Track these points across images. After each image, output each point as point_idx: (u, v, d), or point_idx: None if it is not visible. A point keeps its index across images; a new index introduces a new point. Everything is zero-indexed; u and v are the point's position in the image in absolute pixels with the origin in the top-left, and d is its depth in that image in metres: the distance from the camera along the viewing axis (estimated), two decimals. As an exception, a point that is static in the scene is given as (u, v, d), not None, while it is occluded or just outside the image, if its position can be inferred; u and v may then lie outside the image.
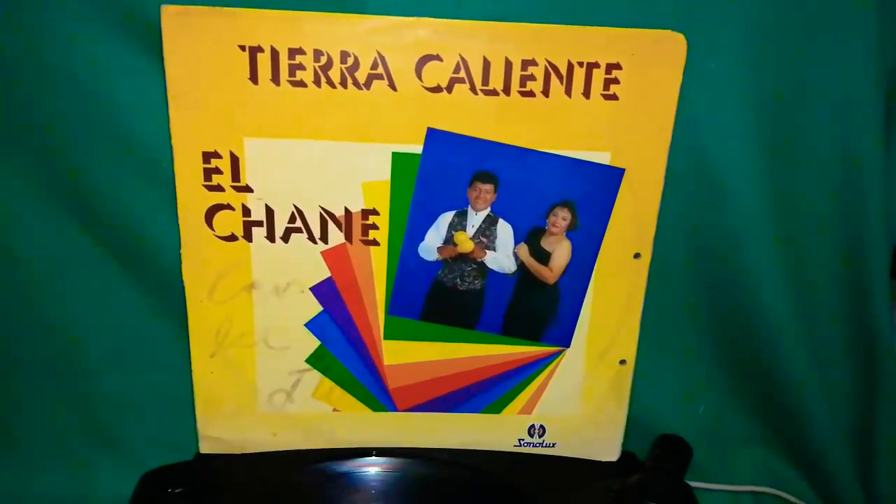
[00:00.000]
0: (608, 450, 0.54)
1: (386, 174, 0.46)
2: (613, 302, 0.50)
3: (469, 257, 0.49)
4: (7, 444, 0.57)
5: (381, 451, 0.52)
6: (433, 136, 0.45)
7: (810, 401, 0.57)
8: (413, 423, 0.53)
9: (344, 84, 0.44)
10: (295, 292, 0.48)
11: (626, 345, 0.51)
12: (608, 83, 0.45)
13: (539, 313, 0.50)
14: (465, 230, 0.48)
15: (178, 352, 0.51)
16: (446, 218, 0.47)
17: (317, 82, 0.43)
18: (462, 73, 0.44)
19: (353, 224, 0.47)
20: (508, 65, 0.44)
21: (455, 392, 0.52)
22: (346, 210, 0.47)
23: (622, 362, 0.52)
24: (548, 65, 0.44)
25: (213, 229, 0.47)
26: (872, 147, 0.51)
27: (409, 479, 0.52)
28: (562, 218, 0.48)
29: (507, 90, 0.44)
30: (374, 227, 0.47)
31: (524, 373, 0.52)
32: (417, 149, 0.45)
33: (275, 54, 0.43)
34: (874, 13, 0.48)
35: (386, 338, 0.50)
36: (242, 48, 0.42)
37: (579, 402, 0.53)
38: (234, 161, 0.45)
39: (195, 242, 0.47)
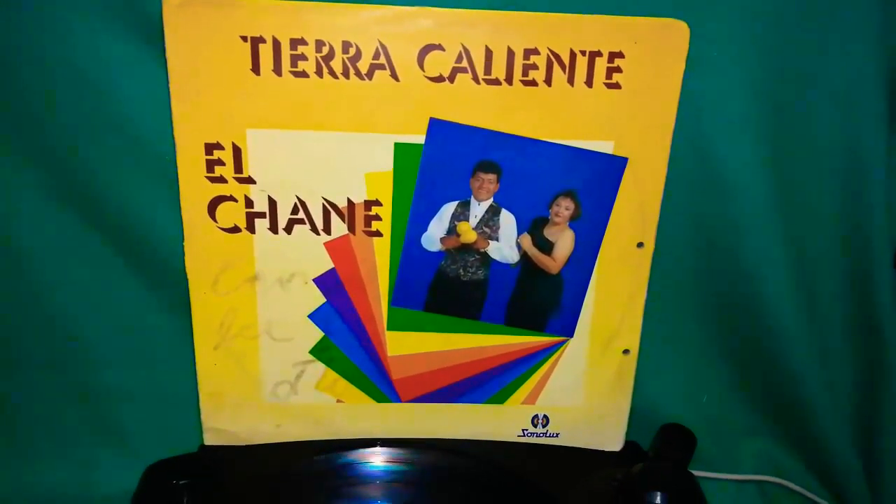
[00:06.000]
0: (612, 439, 0.54)
1: (388, 165, 0.46)
2: (617, 291, 0.50)
3: (472, 248, 0.49)
4: (11, 437, 0.57)
5: (385, 442, 0.52)
6: (435, 126, 0.45)
7: (814, 390, 0.57)
8: (417, 414, 0.53)
9: (346, 74, 0.43)
10: (298, 284, 0.48)
11: (630, 334, 0.51)
12: (611, 72, 0.44)
13: (542, 303, 0.50)
14: (467, 220, 0.48)
15: (181, 344, 0.51)
16: (449, 208, 0.47)
17: (319, 73, 0.43)
18: (464, 63, 0.44)
19: (356, 215, 0.47)
20: (511, 54, 0.44)
21: (458, 382, 0.52)
22: (349, 201, 0.47)
23: (625, 352, 0.52)
24: (550, 54, 0.44)
25: (215, 221, 0.47)
26: (875, 136, 0.51)
27: (412, 470, 0.52)
28: (565, 207, 0.48)
29: (509, 79, 0.44)
30: (377, 217, 0.47)
31: (527, 363, 0.52)
32: (420, 139, 0.45)
33: (277, 45, 0.43)
34: (878, 2, 0.48)
35: (389, 329, 0.50)
36: (244, 39, 0.42)
37: (583, 392, 0.53)
38: (237, 152, 0.45)
39: (198, 234, 0.47)
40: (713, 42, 0.47)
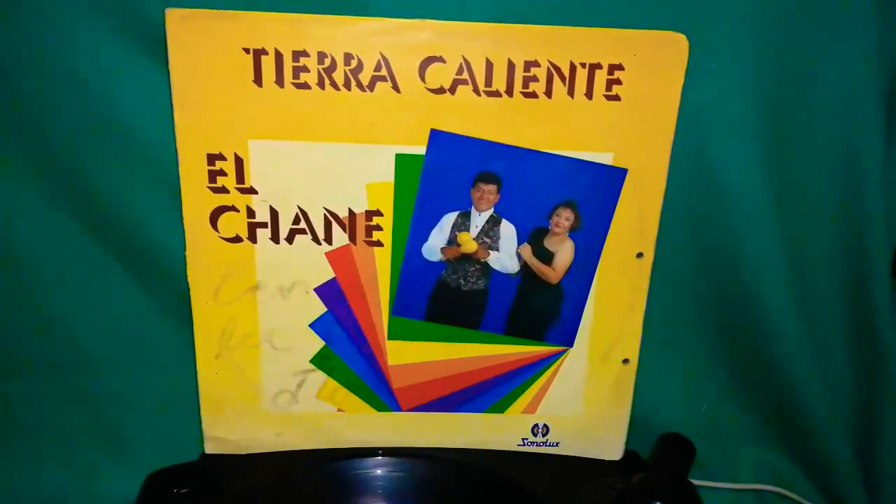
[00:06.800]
0: (611, 449, 0.55)
1: (389, 175, 0.46)
2: (616, 301, 0.50)
3: (472, 258, 0.49)
4: (12, 443, 0.57)
5: (385, 451, 0.52)
6: (436, 137, 0.45)
7: (813, 398, 0.58)
8: (417, 424, 0.53)
9: (347, 86, 0.44)
10: (299, 293, 0.49)
11: (629, 344, 0.52)
12: (610, 84, 0.45)
13: (542, 313, 0.50)
14: (468, 231, 0.48)
15: (182, 353, 0.51)
16: (450, 218, 0.48)
17: (321, 84, 0.44)
18: (465, 75, 0.44)
19: (357, 225, 0.47)
20: (511, 66, 0.44)
21: (459, 392, 0.52)
22: (350, 211, 0.47)
23: (625, 361, 0.52)
24: (550, 66, 0.44)
25: (217, 231, 0.47)
26: (873, 144, 0.51)
27: (413, 480, 0.52)
28: (565, 218, 0.48)
29: (509, 91, 0.45)
30: (378, 228, 0.47)
31: (527, 372, 0.52)
32: (421, 150, 0.46)
33: (279, 57, 0.43)
34: (875, 11, 0.48)
35: (390, 338, 0.50)
36: (246, 51, 0.43)
37: (582, 401, 0.53)
38: (239, 163, 0.45)
39: (200, 244, 0.47)
40: (712, 54, 0.47)
